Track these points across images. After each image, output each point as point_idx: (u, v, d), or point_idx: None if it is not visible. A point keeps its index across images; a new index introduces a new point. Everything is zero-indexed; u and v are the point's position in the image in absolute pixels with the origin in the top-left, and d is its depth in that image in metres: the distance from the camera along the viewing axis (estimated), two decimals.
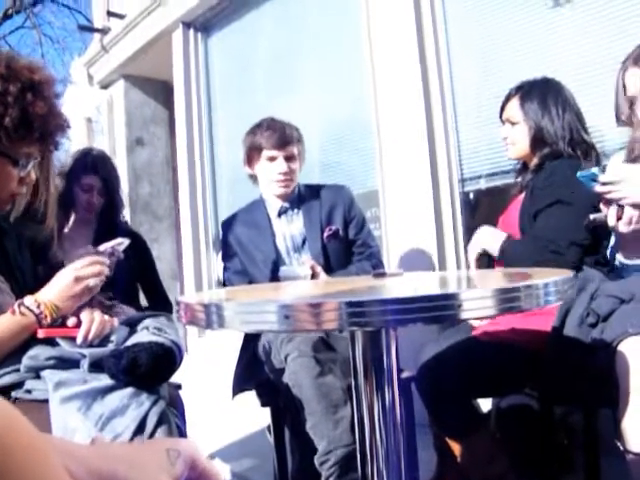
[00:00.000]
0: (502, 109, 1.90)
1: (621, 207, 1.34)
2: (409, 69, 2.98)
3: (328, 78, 3.63)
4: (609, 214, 1.35)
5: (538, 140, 1.79)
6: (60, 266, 1.70)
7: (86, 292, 1.26)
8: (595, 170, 1.35)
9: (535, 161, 1.80)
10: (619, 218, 1.34)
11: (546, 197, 1.68)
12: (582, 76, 2.36)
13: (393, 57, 3.08)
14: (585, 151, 1.75)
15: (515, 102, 1.84)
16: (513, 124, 1.84)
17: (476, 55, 2.86)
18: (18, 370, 1.14)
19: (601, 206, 1.39)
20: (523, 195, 1.82)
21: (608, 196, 1.34)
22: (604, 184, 1.33)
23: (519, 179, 1.93)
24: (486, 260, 1.76)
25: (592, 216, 1.42)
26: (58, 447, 0.45)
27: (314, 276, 1.90)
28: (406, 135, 3.01)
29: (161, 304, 2.34)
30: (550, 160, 1.75)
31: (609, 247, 1.52)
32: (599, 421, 1.83)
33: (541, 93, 1.80)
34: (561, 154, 1.74)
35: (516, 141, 1.85)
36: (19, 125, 1.15)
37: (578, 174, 1.37)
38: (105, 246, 1.82)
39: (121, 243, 1.83)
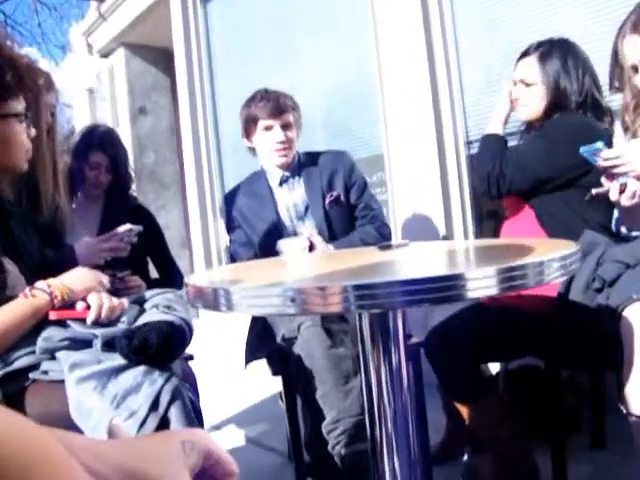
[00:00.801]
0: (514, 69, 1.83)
1: (623, 181, 1.33)
2: (413, 31, 2.92)
3: (330, 43, 3.57)
4: (612, 188, 1.35)
5: (554, 102, 1.74)
6: (69, 250, 1.73)
7: (98, 285, 1.31)
8: (598, 145, 1.34)
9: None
10: (621, 192, 1.34)
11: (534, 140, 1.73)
12: (591, 38, 2.31)
13: (396, 19, 3.02)
14: (599, 115, 1.73)
15: (533, 61, 1.76)
16: (528, 85, 1.77)
17: (481, 15, 2.80)
18: (34, 352, 1.16)
19: (602, 180, 1.38)
20: None
21: (613, 170, 1.34)
22: (607, 159, 1.32)
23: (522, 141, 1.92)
24: None
25: (594, 190, 1.41)
26: (77, 444, 0.46)
27: (312, 247, 1.92)
28: (411, 98, 2.97)
29: (172, 275, 2.36)
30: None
31: (614, 219, 1.52)
32: (605, 382, 1.86)
33: (562, 54, 1.74)
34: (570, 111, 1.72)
35: (529, 102, 1.79)
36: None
37: (581, 149, 1.37)
38: (116, 231, 1.84)
39: (133, 229, 1.85)
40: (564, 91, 1.71)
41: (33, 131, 1.36)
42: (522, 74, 1.79)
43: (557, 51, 1.75)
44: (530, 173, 1.66)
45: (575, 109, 1.71)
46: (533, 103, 1.78)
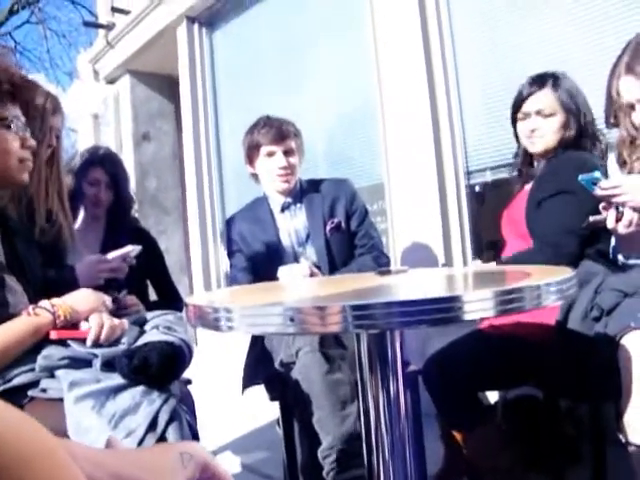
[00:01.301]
0: (521, 101, 1.81)
1: (620, 210, 1.36)
2: (414, 61, 2.98)
3: (333, 71, 3.64)
4: (609, 216, 1.37)
5: (570, 133, 1.74)
6: (69, 270, 1.74)
7: (101, 306, 1.32)
8: (597, 174, 1.37)
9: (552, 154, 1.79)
10: (618, 220, 1.36)
11: (551, 186, 1.69)
12: (587, 68, 2.36)
13: (398, 50, 3.08)
14: (593, 144, 1.76)
15: (549, 92, 1.76)
16: (546, 116, 1.76)
17: (481, 46, 2.86)
18: (33, 369, 1.16)
19: (601, 208, 1.40)
20: (530, 185, 1.82)
21: (611, 199, 1.36)
22: (605, 188, 1.35)
23: (521, 171, 1.93)
24: None
25: (592, 218, 1.43)
26: (77, 452, 0.47)
27: (312, 276, 1.94)
28: (411, 128, 3.01)
29: (172, 299, 2.36)
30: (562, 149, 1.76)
31: (611, 247, 1.54)
32: (605, 413, 1.84)
33: (570, 85, 1.76)
34: (571, 144, 1.74)
35: (546, 133, 1.77)
36: None
37: (580, 177, 1.39)
38: (116, 253, 1.85)
39: (132, 250, 1.86)
40: (582, 120, 1.73)
41: (32, 142, 1.33)
42: (539, 105, 1.77)
43: (565, 82, 1.77)
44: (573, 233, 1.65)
45: (576, 139, 1.74)
46: (550, 134, 1.77)
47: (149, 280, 2.40)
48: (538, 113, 1.78)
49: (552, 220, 1.66)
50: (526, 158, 1.91)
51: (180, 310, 1.95)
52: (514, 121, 1.88)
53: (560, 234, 1.63)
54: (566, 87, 1.77)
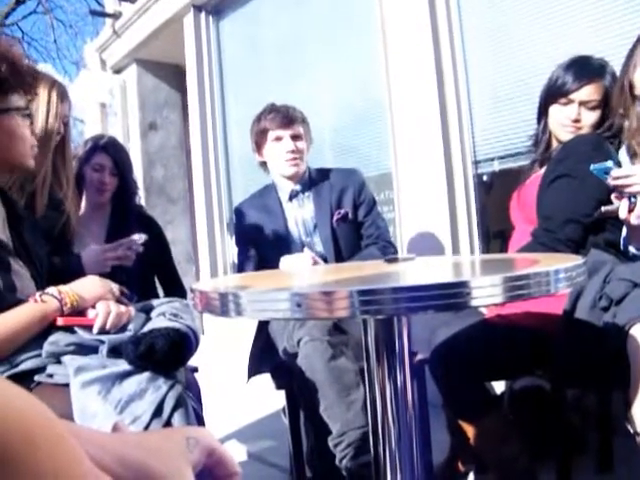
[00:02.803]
0: (570, 89, 1.71)
1: (633, 200, 1.34)
2: (422, 50, 2.96)
3: (340, 60, 3.62)
4: (621, 207, 1.35)
5: (605, 126, 1.69)
6: (75, 258, 1.74)
7: (108, 293, 1.32)
8: (609, 163, 1.35)
9: None
10: (630, 210, 1.34)
11: (560, 168, 1.67)
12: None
13: (406, 39, 3.05)
14: (613, 135, 1.72)
15: (602, 85, 1.70)
16: (591, 108, 1.71)
17: (490, 36, 2.83)
18: (40, 355, 1.17)
19: (612, 198, 1.39)
20: (544, 169, 1.79)
21: (623, 189, 1.34)
22: (617, 177, 1.33)
23: (537, 156, 1.89)
24: None
25: (604, 208, 1.42)
26: (82, 435, 0.47)
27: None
28: (419, 117, 2.99)
29: (176, 293, 2.36)
30: None
31: (622, 238, 1.52)
32: (612, 403, 1.84)
33: (612, 75, 1.71)
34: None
35: (586, 125, 1.72)
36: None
37: (591, 167, 1.37)
38: (122, 242, 1.86)
39: (139, 239, 1.87)
40: (615, 114, 1.66)
41: (37, 129, 1.38)
42: (589, 96, 1.70)
43: (609, 71, 1.72)
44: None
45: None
46: (588, 127, 1.72)
47: (155, 271, 2.39)
48: (583, 103, 1.71)
49: (554, 204, 1.63)
50: (548, 145, 1.84)
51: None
52: (546, 105, 1.80)
53: (561, 220, 1.60)
54: (609, 79, 1.70)
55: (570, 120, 1.73)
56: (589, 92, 1.70)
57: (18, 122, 1.27)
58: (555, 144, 1.81)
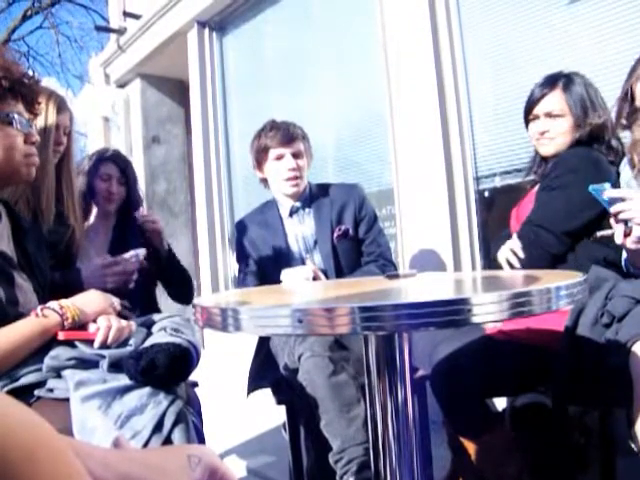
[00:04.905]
0: (532, 103, 1.80)
1: (629, 225, 1.33)
2: (424, 67, 2.98)
3: (342, 76, 3.64)
4: (616, 232, 1.35)
5: (581, 134, 1.72)
6: (76, 272, 1.74)
7: (109, 308, 1.32)
8: (606, 185, 1.35)
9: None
10: (626, 235, 1.34)
11: (544, 182, 1.71)
12: (599, 72, 2.35)
13: (407, 54, 3.07)
14: (608, 147, 1.73)
15: (558, 94, 1.74)
16: (555, 117, 1.75)
17: (491, 51, 2.85)
18: (40, 369, 1.17)
19: (611, 222, 1.39)
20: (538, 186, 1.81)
21: (619, 215, 1.34)
22: (613, 200, 1.32)
23: (533, 173, 1.91)
24: None
25: (599, 233, 1.42)
26: (84, 451, 0.46)
27: (315, 279, 1.93)
28: (421, 133, 3.01)
29: (183, 289, 2.40)
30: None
31: (623, 259, 1.52)
32: (615, 421, 1.83)
33: (584, 86, 1.74)
34: (584, 146, 1.72)
35: (557, 135, 1.75)
36: None
37: (590, 187, 1.37)
38: (118, 259, 1.86)
39: (137, 254, 1.87)
40: (593, 123, 1.70)
41: (36, 137, 1.34)
42: (549, 107, 1.76)
43: (578, 83, 1.75)
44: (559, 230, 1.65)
45: (589, 142, 1.72)
46: (560, 136, 1.75)
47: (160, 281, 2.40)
48: (547, 115, 1.77)
49: (539, 211, 1.68)
50: (541, 161, 1.88)
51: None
52: (527, 123, 1.86)
53: (541, 228, 1.64)
54: (578, 88, 1.74)
55: (538, 133, 1.79)
56: (550, 102, 1.76)
57: (5, 131, 1.25)
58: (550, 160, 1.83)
